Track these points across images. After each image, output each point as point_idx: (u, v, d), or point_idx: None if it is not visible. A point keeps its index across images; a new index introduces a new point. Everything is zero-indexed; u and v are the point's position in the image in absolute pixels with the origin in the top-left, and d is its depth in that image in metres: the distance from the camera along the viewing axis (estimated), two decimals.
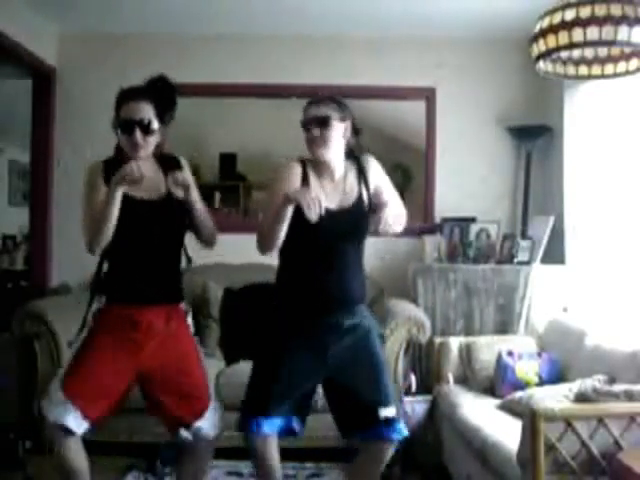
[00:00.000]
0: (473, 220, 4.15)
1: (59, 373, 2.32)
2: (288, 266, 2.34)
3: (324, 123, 2.25)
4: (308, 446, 3.39)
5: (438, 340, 3.57)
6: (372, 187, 2.35)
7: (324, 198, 2.19)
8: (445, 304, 3.84)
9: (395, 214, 2.28)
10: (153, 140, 2.26)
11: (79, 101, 4.36)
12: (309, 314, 2.28)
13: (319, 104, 2.29)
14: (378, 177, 2.38)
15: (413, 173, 4.47)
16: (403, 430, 2.27)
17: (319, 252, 2.26)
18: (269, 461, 2.40)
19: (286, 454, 3.31)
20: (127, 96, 2.24)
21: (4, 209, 7.67)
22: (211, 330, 3.76)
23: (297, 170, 2.29)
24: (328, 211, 2.21)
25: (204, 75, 4.32)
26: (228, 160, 4.57)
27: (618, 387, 2.28)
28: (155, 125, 2.23)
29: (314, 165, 2.31)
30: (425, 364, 3.77)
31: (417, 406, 3.35)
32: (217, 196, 4.54)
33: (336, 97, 2.36)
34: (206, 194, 4.31)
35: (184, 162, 2.40)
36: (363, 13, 3.97)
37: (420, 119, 4.40)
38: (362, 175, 2.35)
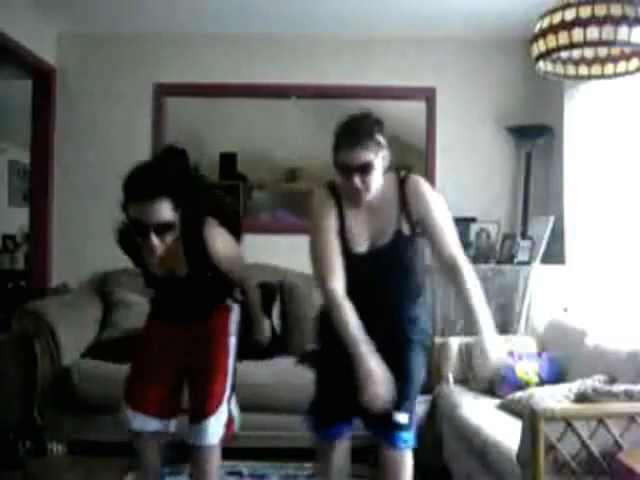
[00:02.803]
0: (473, 220, 4.15)
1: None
2: None
3: (366, 170, 2.04)
4: (308, 446, 3.39)
5: (438, 340, 3.57)
6: (415, 217, 2.13)
7: (359, 234, 2.12)
8: (445, 304, 3.83)
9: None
10: (172, 235, 2.06)
11: (79, 101, 4.36)
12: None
13: (357, 145, 2.02)
14: (424, 206, 2.13)
15: (413, 173, 4.47)
16: (411, 440, 2.16)
17: (356, 286, 2.11)
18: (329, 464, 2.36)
19: (286, 454, 3.33)
20: (136, 195, 1.98)
21: (4, 209, 7.67)
22: None
23: (330, 203, 2.13)
24: (360, 256, 2.12)
25: (204, 75, 4.32)
26: (228, 160, 4.56)
27: (618, 387, 2.28)
28: (173, 220, 2.03)
29: (347, 196, 2.13)
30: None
31: (417, 406, 3.35)
32: None
33: (365, 118, 2.10)
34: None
35: (209, 228, 2.17)
36: (363, 13, 3.96)
37: (420, 119, 4.40)
38: (404, 203, 2.13)
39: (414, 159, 4.44)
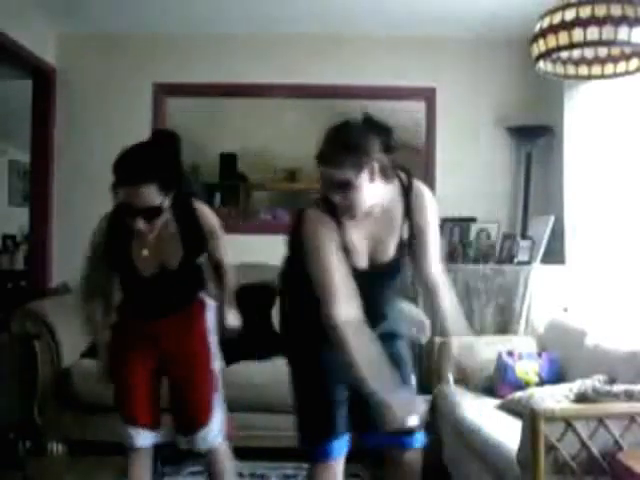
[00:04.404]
0: (473, 220, 4.15)
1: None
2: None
3: (345, 188, 1.84)
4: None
5: (438, 340, 3.57)
6: (415, 229, 2.01)
7: (359, 249, 1.94)
8: None
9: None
10: (161, 218, 2.08)
11: (79, 101, 4.36)
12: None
13: (330, 162, 1.83)
14: (426, 217, 2.01)
15: (413, 173, 4.46)
16: (424, 437, 2.14)
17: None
18: None
19: (286, 454, 3.33)
20: (124, 179, 1.98)
21: (4, 209, 7.67)
22: None
23: (325, 219, 1.91)
24: (362, 272, 1.94)
25: (204, 75, 4.32)
26: (228, 160, 4.57)
27: (618, 387, 2.27)
28: (161, 205, 2.04)
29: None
30: (425, 364, 3.76)
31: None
32: (217, 196, 4.53)
33: (351, 129, 1.88)
34: (206, 194, 4.39)
35: (207, 217, 2.23)
36: (363, 13, 3.96)
37: (420, 119, 4.40)
38: (408, 213, 1.98)
39: (414, 159, 4.45)
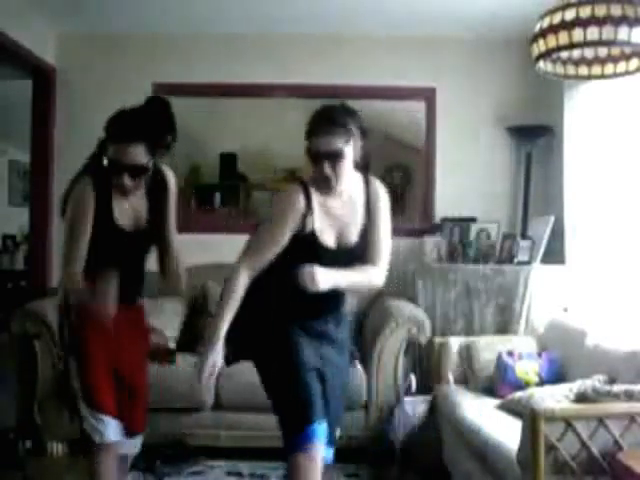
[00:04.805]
0: (473, 220, 4.15)
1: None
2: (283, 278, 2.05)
3: (336, 158, 2.02)
4: None
5: (438, 340, 3.57)
6: (371, 216, 2.14)
7: (328, 229, 2.07)
8: (445, 304, 3.83)
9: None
10: (144, 178, 2.17)
11: (79, 101, 4.36)
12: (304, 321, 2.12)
13: (326, 132, 2.01)
14: (379, 211, 2.14)
15: (413, 173, 4.47)
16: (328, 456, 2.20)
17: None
18: None
19: (286, 454, 3.32)
20: (115, 137, 2.11)
21: (4, 209, 7.68)
22: None
23: (299, 197, 2.04)
24: (331, 251, 2.07)
25: (204, 75, 4.32)
26: (228, 160, 4.56)
27: (618, 387, 2.28)
28: (147, 165, 2.13)
29: (318, 184, 2.07)
30: (425, 364, 3.77)
31: (417, 406, 3.35)
32: (217, 196, 4.53)
33: (336, 108, 2.07)
34: (206, 194, 4.39)
35: (170, 178, 2.30)
36: (363, 13, 3.97)
37: (420, 119, 4.40)
38: (368, 203, 2.13)
39: (414, 159, 4.45)
